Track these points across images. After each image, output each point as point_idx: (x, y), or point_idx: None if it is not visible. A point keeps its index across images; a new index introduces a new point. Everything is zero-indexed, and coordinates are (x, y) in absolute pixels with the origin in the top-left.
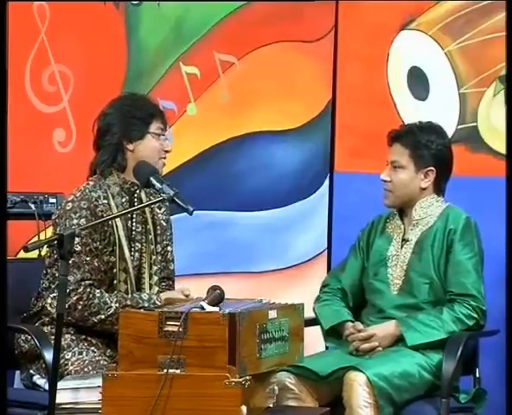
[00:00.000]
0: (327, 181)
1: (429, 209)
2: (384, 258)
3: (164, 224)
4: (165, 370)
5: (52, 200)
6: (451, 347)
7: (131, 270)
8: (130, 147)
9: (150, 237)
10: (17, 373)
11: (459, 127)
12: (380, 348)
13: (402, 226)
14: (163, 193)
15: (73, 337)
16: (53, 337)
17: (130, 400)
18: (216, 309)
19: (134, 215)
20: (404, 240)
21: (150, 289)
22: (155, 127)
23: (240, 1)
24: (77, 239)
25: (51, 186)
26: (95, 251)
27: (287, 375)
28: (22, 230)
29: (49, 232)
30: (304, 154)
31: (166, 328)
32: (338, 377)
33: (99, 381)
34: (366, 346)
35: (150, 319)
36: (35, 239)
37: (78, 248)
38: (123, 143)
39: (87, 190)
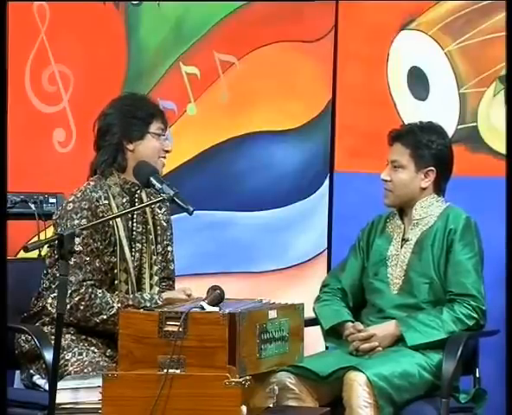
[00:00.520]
0: (327, 181)
1: (429, 209)
2: (384, 257)
3: (165, 224)
4: (165, 370)
5: (52, 200)
6: (451, 347)
7: (131, 270)
8: (130, 147)
9: (151, 237)
10: (17, 373)
11: (459, 127)
12: (380, 348)
13: (402, 226)
14: (163, 193)
15: (74, 337)
16: (53, 337)
17: (130, 400)
18: (216, 309)
19: (134, 216)
20: (404, 240)
21: (150, 289)
22: (155, 127)
23: (240, 1)
24: (78, 240)
25: (51, 186)
26: (96, 251)
27: (287, 375)
28: (22, 230)
29: (49, 232)
30: (304, 154)
31: (166, 328)
32: (338, 377)
33: (99, 381)
34: (366, 346)
35: (150, 319)
36: (35, 239)
37: (79, 248)
38: (123, 143)
39: (88, 191)
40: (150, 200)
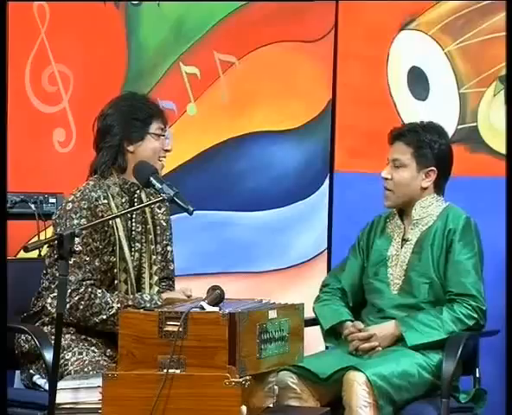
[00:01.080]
0: (327, 181)
1: (429, 209)
2: (384, 258)
3: (164, 224)
4: (165, 370)
5: (52, 200)
6: (450, 347)
7: (131, 270)
8: (130, 149)
9: (150, 237)
10: (17, 373)
11: (459, 127)
12: (379, 348)
13: (402, 226)
14: (164, 193)
15: (74, 337)
16: (53, 337)
17: (130, 400)
18: (216, 309)
19: (134, 215)
20: (404, 240)
21: (150, 289)
22: (155, 127)
23: (240, 1)
24: (78, 239)
25: (51, 186)
26: (96, 251)
27: (289, 375)
28: (22, 230)
29: (49, 232)
30: (303, 154)
31: (166, 328)
32: (338, 378)
33: (98, 381)
34: (365, 346)
35: (150, 319)
36: (35, 239)
37: (79, 248)
38: (123, 144)
39: (87, 190)
40: (150, 200)
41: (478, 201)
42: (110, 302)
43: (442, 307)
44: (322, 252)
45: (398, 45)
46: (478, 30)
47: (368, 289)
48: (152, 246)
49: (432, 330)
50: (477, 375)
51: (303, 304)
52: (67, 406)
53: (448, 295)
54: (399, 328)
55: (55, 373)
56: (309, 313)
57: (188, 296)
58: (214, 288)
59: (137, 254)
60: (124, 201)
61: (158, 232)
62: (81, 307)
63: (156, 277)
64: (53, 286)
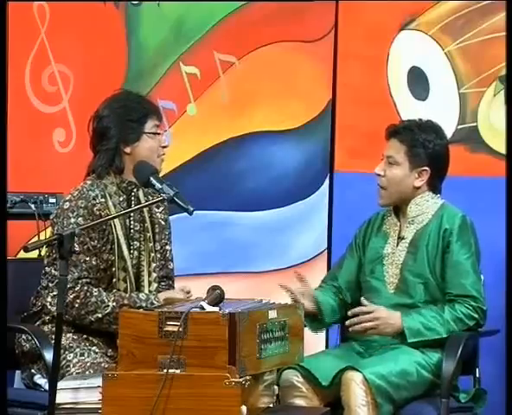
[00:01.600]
0: (327, 181)
1: (424, 206)
2: (380, 256)
3: (163, 223)
4: (165, 370)
5: (52, 200)
6: (451, 346)
7: (130, 268)
8: (127, 150)
9: (149, 235)
10: (17, 372)
11: (459, 127)
12: (374, 330)
13: (398, 224)
14: (164, 193)
15: (75, 337)
16: (53, 336)
17: (130, 400)
18: (216, 309)
19: (132, 214)
20: (400, 238)
21: (149, 286)
22: (150, 126)
23: (240, 1)
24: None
25: (51, 186)
26: (93, 249)
27: (294, 373)
28: (22, 230)
29: (49, 232)
30: (303, 154)
31: (166, 328)
32: (338, 380)
33: (98, 381)
34: (367, 325)
35: (150, 319)
36: (35, 239)
37: (75, 247)
38: (120, 146)
39: (85, 189)
40: (148, 198)
41: (478, 201)
42: (105, 300)
43: (444, 306)
44: (322, 252)
45: (398, 45)
46: (478, 30)
47: (364, 287)
48: (151, 244)
49: (433, 330)
50: (477, 375)
51: (303, 304)
52: (67, 406)
53: (448, 296)
54: (402, 323)
55: (55, 372)
56: None
57: (187, 292)
58: (214, 288)
59: (135, 252)
60: (121, 199)
61: (157, 230)
62: (76, 305)
63: (154, 275)
64: (51, 285)
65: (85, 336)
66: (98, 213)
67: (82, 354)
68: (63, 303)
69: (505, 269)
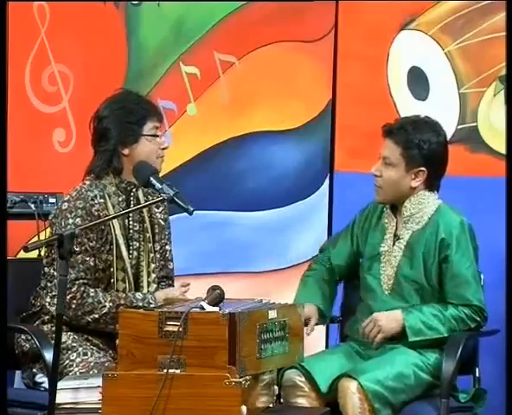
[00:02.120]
0: (327, 181)
1: (420, 205)
2: (378, 253)
3: (162, 223)
4: (165, 370)
5: (52, 200)
6: (450, 347)
7: (128, 269)
8: (125, 152)
9: (148, 235)
10: (17, 372)
11: (459, 127)
12: (382, 332)
13: (395, 220)
14: (164, 193)
15: (76, 337)
16: (53, 336)
17: (130, 400)
18: (216, 309)
19: (131, 214)
20: (396, 236)
21: (148, 287)
22: (148, 128)
23: (240, 1)
24: None
25: (51, 186)
26: (91, 250)
27: (297, 373)
28: (22, 230)
29: (49, 232)
30: (303, 154)
31: (166, 328)
32: (336, 387)
33: (98, 381)
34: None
35: (150, 319)
36: (35, 239)
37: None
38: (118, 148)
39: (83, 190)
40: (147, 199)
41: (478, 201)
42: (102, 301)
43: (447, 305)
44: None
45: (398, 45)
46: (478, 30)
47: (362, 284)
48: (150, 245)
49: (434, 328)
50: (477, 375)
51: (303, 304)
52: (67, 406)
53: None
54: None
55: (55, 372)
56: None
57: (187, 285)
58: (214, 288)
59: (135, 253)
60: (120, 200)
61: (156, 230)
62: (73, 306)
63: (154, 276)
64: (49, 285)
65: (85, 336)
66: (96, 213)
67: (85, 354)
68: (63, 303)
69: (505, 269)
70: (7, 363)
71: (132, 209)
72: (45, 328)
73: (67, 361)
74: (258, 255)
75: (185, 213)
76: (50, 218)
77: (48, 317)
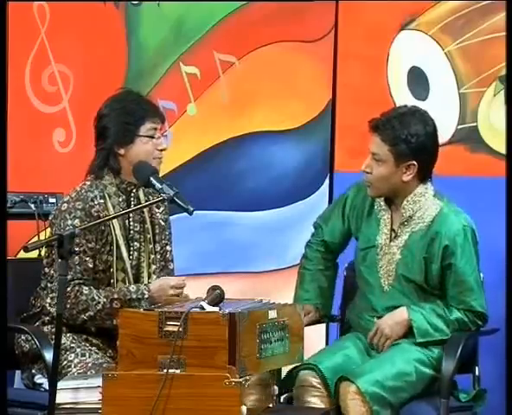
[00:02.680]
0: (327, 181)
1: (419, 204)
2: (372, 245)
3: (163, 223)
4: (165, 370)
5: (52, 200)
6: (450, 346)
7: (129, 269)
8: (121, 152)
9: (149, 236)
10: (17, 372)
11: (459, 127)
12: (390, 339)
13: (389, 213)
14: (164, 193)
15: (75, 338)
16: (53, 337)
17: (130, 400)
18: (216, 309)
19: (132, 214)
20: (393, 230)
21: None
22: (146, 129)
23: (240, 1)
24: None
25: (51, 186)
26: (90, 251)
27: (313, 374)
28: (22, 230)
29: (48, 232)
30: (303, 154)
31: (166, 328)
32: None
33: (98, 381)
34: (379, 342)
35: (150, 319)
36: (35, 239)
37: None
38: (114, 148)
39: (83, 191)
40: (148, 199)
41: (478, 200)
42: (96, 298)
43: (451, 306)
44: None
45: (398, 45)
46: (478, 30)
47: (358, 274)
48: (151, 246)
49: (440, 330)
50: (477, 374)
51: (303, 304)
52: (67, 406)
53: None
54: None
55: (55, 373)
56: None
57: (183, 281)
58: (214, 288)
59: (135, 253)
60: (121, 200)
61: (157, 231)
62: (68, 306)
63: (154, 276)
64: (49, 285)
65: (84, 337)
66: (96, 214)
67: (83, 355)
68: (63, 303)
69: (505, 269)
70: (7, 363)
71: (132, 209)
72: (45, 329)
73: (65, 362)
74: (258, 255)
75: (185, 213)
76: (50, 218)
77: (48, 318)
